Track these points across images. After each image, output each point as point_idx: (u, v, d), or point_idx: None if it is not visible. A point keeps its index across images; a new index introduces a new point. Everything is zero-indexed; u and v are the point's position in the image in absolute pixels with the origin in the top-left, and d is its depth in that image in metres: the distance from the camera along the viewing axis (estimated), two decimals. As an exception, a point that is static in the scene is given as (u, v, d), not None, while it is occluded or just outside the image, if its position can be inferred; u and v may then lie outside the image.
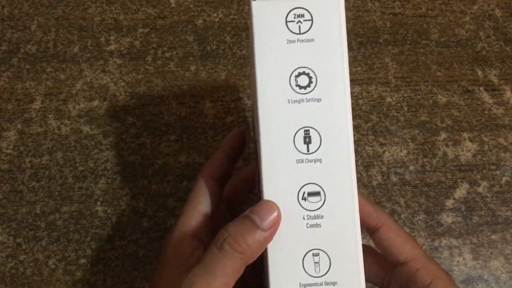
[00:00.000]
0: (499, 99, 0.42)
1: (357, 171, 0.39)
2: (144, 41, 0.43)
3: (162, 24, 0.44)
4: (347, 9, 0.44)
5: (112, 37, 0.43)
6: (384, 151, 0.40)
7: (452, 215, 0.38)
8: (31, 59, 0.42)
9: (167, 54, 0.43)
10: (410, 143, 0.40)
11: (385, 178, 0.39)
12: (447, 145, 0.40)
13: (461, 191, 0.39)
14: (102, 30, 0.43)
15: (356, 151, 0.40)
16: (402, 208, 0.39)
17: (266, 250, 0.25)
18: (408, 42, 0.43)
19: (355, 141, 0.40)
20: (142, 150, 0.40)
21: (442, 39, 0.43)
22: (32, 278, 0.37)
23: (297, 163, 0.25)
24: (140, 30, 0.43)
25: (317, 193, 0.25)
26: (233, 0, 0.44)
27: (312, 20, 0.25)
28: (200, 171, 0.30)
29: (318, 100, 0.25)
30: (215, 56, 0.42)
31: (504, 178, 0.39)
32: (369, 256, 0.30)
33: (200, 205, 0.28)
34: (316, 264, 0.25)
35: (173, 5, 0.44)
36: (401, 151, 0.40)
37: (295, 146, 0.25)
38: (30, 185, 0.39)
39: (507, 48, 0.43)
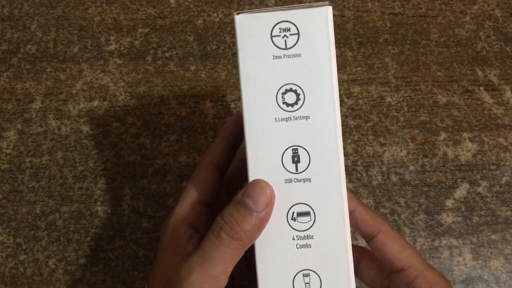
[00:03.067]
0: (499, 99, 0.42)
1: (357, 171, 0.39)
2: (144, 41, 0.43)
3: (162, 24, 0.44)
4: (347, 9, 0.44)
5: (112, 37, 0.43)
6: (384, 151, 0.40)
7: (452, 215, 0.38)
8: (31, 59, 0.42)
9: (167, 54, 0.43)
10: (410, 143, 0.40)
11: (385, 178, 0.39)
12: (447, 145, 0.40)
13: (461, 191, 0.39)
14: (102, 30, 0.43)
15: (356, 151, 0.40)
16: (402, 208, 0.39)
17: (256, 271, 0.24)
18: (408, 42, 0.43)
19: (355, 141, 0.40)
20: (142, 150, 0.40)
21: (442, 39, 0.43)
22: (32, 278, 0.37)
23: (286, 182, 0.24)
24: (140, 30, 0.43)
25: (306, 213, 0.24)
26: (233, 0, 0.44)
27: (298, 34, 0.24)
28: (200, 158, 0.29)
29: (307, 117, 0.24)
30: (215, 56, 0.42)
31: (504, 178, 0.39)
32: (368, 260, 0.30)
33: (198, 193, 0.28)
34: (307, 284, 0.24)
35: (173, 5, 0.44)
36: (401, 151, 0.40)
37: (284, 166, 0.24)
38: (30, 185, 0.39)
39: (507, 48, 0.43)
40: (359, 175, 0.39)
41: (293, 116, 0.24)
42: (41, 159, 0.40)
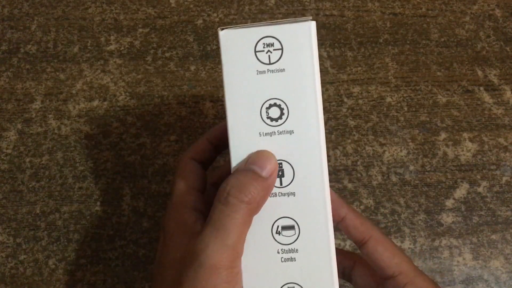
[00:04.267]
0: (499, 99, 0.42)
1: (357, 171, 0.39)
2: (144, 41, 0.43)
3: (162, 24, 0.44)
4: (347, 9, 0.44)
5: (112, 37, 0.43)
6: (384, 151, 0.40)
7: (452, 215, 0.38)
8: (31, 59, 0.42)
9: (167, 54, 0.43)
10: (410, 143, 0.40)
11: (385, 178, 0.39)
12: (447, 145, 0.40)
13: (461, 191, 0.39)
14: (102, 30, 0.43)
15: (356, 151, 0.40)
16: (402, 208, 0.39)
17: (241, 283, 0.24)
18: (408, 42, 0.43)
19: (355, 141, 0.40)
20: (142, 150, 0.40)
21: (442, 39, 0.43)
22: (32, 278, 0.37)
23: (271, 196, 0.25)
24: (140, 30, 0.43)
25: (291, 227, 0.24)
26: (233, 0, 0.44)
27: (282, 49, 0.24)
28: (183, 153, 0.29)
29: (291, 132, 0.24)
30: (215, 56, 0.42)
31: (504, 178, 0.39)
32: (361, 266, 0.30)
33: (190, 181, 0.28)
34: None
35: (173, 5, 0.44)
36: (401, 151, 0.40)
37: None
38: (30, 185, 0.39)
39: (507, 48, 0.43)
40: (359, 175, 0.39)
41: (277, 131, 0.24)
42: (41, 159, 0.40)
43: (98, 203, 0.38)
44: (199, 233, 0.24)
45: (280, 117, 0.24)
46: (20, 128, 0.40)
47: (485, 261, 0.37)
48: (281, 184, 0.25)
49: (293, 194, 0.24)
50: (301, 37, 0.24)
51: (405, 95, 0.42)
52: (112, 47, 0.43)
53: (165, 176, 0.39)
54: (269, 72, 0.24)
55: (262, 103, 0.24)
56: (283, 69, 0.24)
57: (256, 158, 0.24)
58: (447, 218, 0.38)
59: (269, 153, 0.24)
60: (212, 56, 0.43)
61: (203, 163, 0.29)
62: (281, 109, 0.24)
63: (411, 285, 0.27)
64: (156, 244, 0.37)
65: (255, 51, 0.24)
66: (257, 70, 0.24)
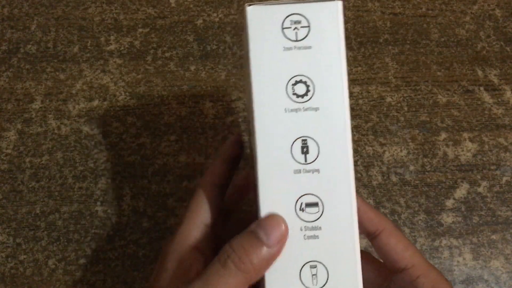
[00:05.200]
0: (499, 99, 0.42)
1: (357, 171, 0.39)
2: (144, 41, 0.43)
3: (162, 24, 0.44)
4: (347, 9, 0.44)
5: (112, 37, 0.43)
6: (384, 151, 0.40)
7: (452, 215, 0.38)
8: (31, 59, 0.42)
9: (167, 54, 0.43)
10: (410, 143, 0.40)
11: (385, 178, 0.39)
12: (447, 145, 0.40)
13: (461, 191, 0.39)
14: (102, 30, 0.43)
15: (356, 151, 0.40)
16: (402, 208, 0.39)
17: None
18: (408, 42, 0.43)
19: (355, 141, 0.40)
20: (142, 150, 0.40)
21: (442, 39, 0.43)
22: (32, 278, 0.37)
23: (295, 173, 0.24)
24: (140, 30, 0.43)
25: (315, 204, 0.24)
26: (233, 0, 0.44)
27: (309, 26, 0.24)
28: (201, 179, 0.29)
29: (316, 109, 0.24)
30: (215, 56, 0.42)
31: (504, 178, 0.39)
32: (367, 262, 0.30)
33: (202, 214, 0.27)
34: (314, 276, 0.24)
35: (173, 5, 0.44)
36: (401, 151, 0.40)
37: (293, 156, 0.24)
38: (30, 185, 0.39)
39: (507, 48, 0.43)
40: (359, 175, 0.39)
41: (303, 107, 0.24)
42: (41, 159, 0.39)
43: (98, 203, 0.38)
44: (191, 282, 0.23)
45: (305, 94, 0.24)
46: (20, 128, 0.40)
47: (485, 261, 0.37)
48: (305, 161, 0.24)
49: (318, 171, 0.24)
50: (328, 16, 0.24)
51: (405, 95, 0.42)
52: (112, 47, 0.43)
53: (165, 176, 0.39)
54: (295, 48, 0.24)
55: (288, 80, 0.24)
56: (310, 46, 0.24)
57: (264, 223, 0.24)
58: (447, 218, 0.38)
59: (279, 219, 0.24)
60: (212, 56, 0.42)
61: (222, 187, 0.29)
62: (307, 86, 0.24)
63: (424, 277, 0.27)
64: (156, 244, 0.37)
65: (282, 28, 0.24)
66: (284, 47, 0.24)
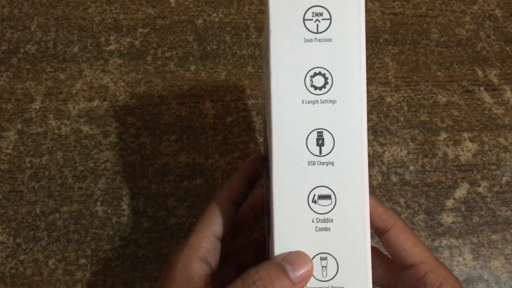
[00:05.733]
0: (499, 99, 0.42)
1: (357, 171, 0.39)
2: (144, 41, 0.43)
3: (162, 24, 0.44)
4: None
5: (112, 37, 0.43)
6: (384, 151, 0.40)
7: (452, 215, 0.38)
8: (31, 59, 0.42)
9: (167, 54, 0.43)
10: (410, 143, 0.40)
11: (385, 178, 0.39)
12: (447, 145, 0.40)
13: (461, 191, 0.39)
14: (102, 30, 0.43)
15: (356, 151, 0.40)
16: (402, 208, 0.39)
17: (274, 251, 0.24)
18: (408, 42, 0.43)
19: (355, 141, 0.40)
20: (142, 150, 0.40)
21: (442, 39, 0.43)
22: (32, 278, 0.37)
23: (309, 165, 0.24)
24: (140, 30, 0.43)
25: (328, 196, 0.24)
26: (233, 0, 0.44)
27: (330, 19, 0.24)
28: (217, 191, 0.29)
29: (333, 101, 0.24)
30: (215, 56, 0.42)
31: (504, 178, 0.39)
32: (375, 258, 0.30)
33: (213, 226, 0.27)
34: (324, 268, 0.24)
35: (173, 5, 0.44)
36: (401, 151, 0.40)
37: (308, 148, 0.24)
38: (30, 185, 0.39)
39: (507, 48, 0.43)
40: (359, 175, 0.39)
41: (320, 100, 0.24)
42: (41, 159, 0.39)
43: (98, 203, 0.38)
44: None
45: (324, 86, 0.24)
46: (20, 128, 0.40)
47: (485, 261, 0.37)
48: (320, 153, 0.24)
49: (332, 163, 0.24)
50: (350, 9, 0.24)
51: (405, 95, 0.42)
52: (112, 47, 0.43)
53: (165, 176, 0.39)
54: (316, 41, 0.24)
55: (307, 71, 0.24)
56: (330, 39, 0.24)
57: (293, 259, 0.24)
58: (447, 218, 0.38)
59: (307, 258, 0.24)
60: (212, 56, 0.42)
61: (237, 203, 0.29)
62: (326, 78, 0.24)
63: (432, 273, 0.27)
64: (156, 245, 0.37)
65: (304, 19, 0.24)
66: (304, 38, 0.24)
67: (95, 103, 0.41)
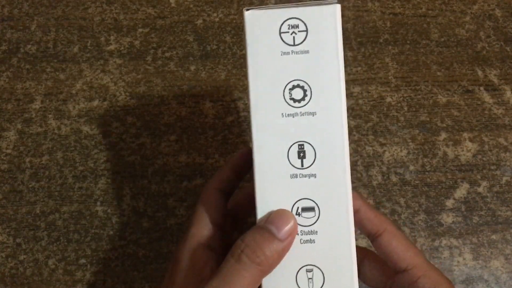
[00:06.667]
0: (499, 99, 0.42)
1: (357, 171, 0.39)
2: (144, 41, 0.43)
3: (162, 24, 0.44)
4: (347, 9, 0.44)
5: (112, 37, 0.43)
6: (384, 151, 0.40)
7: (452, 215, 0.38)
8: (31, 59, 0.42)
9: (167, 54, 0.43)
10: (410, 143, 0.40)
11: (385, 178, 0.39)
12: (447, 145, 0.40)
13: (461, 191, 0.39)
14: (102, 30, 0.43)
15: (356, 151, 0.40)
16: (402, 208, 0.39)
17: None
18: (408, 42, 0.43)
19: (355, 141, 0.40)
20: (142, 150, 0.40)
21: (442, 39, 0.43)
22: (32, 278, 0.37)
23: (291, 178, 0.24)
24: (140, 30, 0.43)
25: (311, 209, 0.24)
26: (233, 0, 0.44)
27: (307, 31, 0.24)
28: (207, 182, 0.30)
29: (313, 114, 0.24)
30: (215, 56, 0.42)
31: (504, 178, 0.39)
32: (371, 260, 0.30)
33: (211, 214, 0.28)
34: (310, 280, 0.24)
35: (173, 5, 0.44)
36: (401, 151, 0.40)
37: (289, 161, 0.24)
38: (30, 185, 0.39)
39: (507, 48, 0.43)
40: (359, 175, 0.39)
41: (300, 112, 0.24)
42: (41, 159, 0.39)
43: (98, 203, 0.38)
44: (207, 281, 0.24)
45: (303, 99, 0.24)
46: (20, 128, 0.40)
47: (485, 261, 0.37)
48: (302, 165, 0.24)
49: (314, 175, 0.24)
50: (326, 20, 0.24)
51: (405, 95, 0.42)
52: (112, 47, 0.43)
53: (165, 176, 0.39)
54: (293, 53, 0.24)
55: (286, 84, 0.24)
56: (307, 50, 0.24)
57: (275, 218, 0.24)
58: (447, 218, 0.38)
59: (289, 214, 0.24)
60: (212, 56, 0.43)
61: (226, 192, 0.30)
62: (304, 91, 0.24)
63: (425, 278, 0.27)
64: (156, 244, 0.37)
65: (280, 32, 0.24)
66: (281, 51, 0.24)
67: (95, 103, 0.41)
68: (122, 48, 0.43)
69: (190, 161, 0.39)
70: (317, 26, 0.24)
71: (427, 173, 0.39)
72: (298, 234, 0.24)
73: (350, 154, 0.40)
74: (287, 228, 0.24)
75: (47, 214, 0.38)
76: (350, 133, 0.40)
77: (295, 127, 0.24)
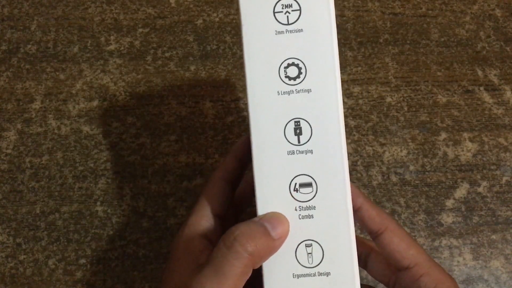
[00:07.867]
0: (499, 99, 0.42)
1: (357, 171, 0.39)
2: (144, 41, 0.43)
3: (162, 24, 0.44)
4: (347, 8, 0.44)
5: (112, 37, 0.43)
6: (384, 151, 0.40)
7: (452, 215, 0.38)
8: (31, 59, 0.42)
9: (167, 54, 0.43)
10: (410, 143, 0.40)
11: (385, 178, 0.39)
12: (447, 145, 0.40)
13: (461, 191, 0.39)
14: (102, 30, 0.43)
15: (356, 151, 0.40)
16: (402, 208, 0.39)
17: None
18: (408, 42, 0.43)
19: (355, 141, 0.40)
20: (142, 150, 0.40)
21: (442, 39, 0.43)
22: (32, 278, 0.37)
23: (288, 154, 0.25)
24: (140, 30, 0.43)
25: (308, 184, 0.25)
26: (233, 0, 0.44)
27: (300, 10, 0.25)
28: (212, 173, 0.30)
29: (308, 91, 0.25)
30: (215, 56, 0.42)
31: (504, 178, 0.39)
32: (378, 254, 0.30)
33: (212, 205, 0.28)
34: (309, 254, 0.25)
35: (173, 5, 0.44)
36: (401, 151, 0.40)
37: (286, 138, 0.25)
38: (30, 185, 0.39)
39: (507, 48, 0.43)
40: (359, 175, 0.39)
41: (295, 89, 0.25)
42: (41, 159, 0.39)
43: (98, 203, 0.38)
44: (201, 267, 0.24)
45: (298, 76, 0.25)
46: (20, 128, 0.40)
47: (485, 261, 0.37)
48: (298, 142, 0.25)
49: (311, 151, 0.25)
50: None
51: (405, 95, 0.42)
52: (112, 47, 0.43)
53: (165, 176, 0.39)
54: (287, 32, 0.25)
55: (281, 63, 0.25)
56: (301, 29, 0.25)
57: (270, 218, 0.24)
58: (447, 218, 0.38)
59: (284, 218, 0.25)
60: (212, 56, 0.43)
61: (232, 182, 0.30)
62: (299, 68, 0.25)
63: (427, 276, 0.27)
64: (156, 244, 0.37)
65: (274, 12, 0.25)
66: (276, 31, 0.25)
67: (95, 103, 0.41)
68: (122, 48, 0.43)
69: (190, 161, 0.39)
70: (310, 5, 0.25)
71: (427, 173, 0.39)
72: (296, 210, 0.25)
73: (350, 154, 0.40)
74: (281, 229, 0.24)
75: (47, 214, 0.38)
76: (350, 133, 0.40)
77: (290, 105, 0.25)
